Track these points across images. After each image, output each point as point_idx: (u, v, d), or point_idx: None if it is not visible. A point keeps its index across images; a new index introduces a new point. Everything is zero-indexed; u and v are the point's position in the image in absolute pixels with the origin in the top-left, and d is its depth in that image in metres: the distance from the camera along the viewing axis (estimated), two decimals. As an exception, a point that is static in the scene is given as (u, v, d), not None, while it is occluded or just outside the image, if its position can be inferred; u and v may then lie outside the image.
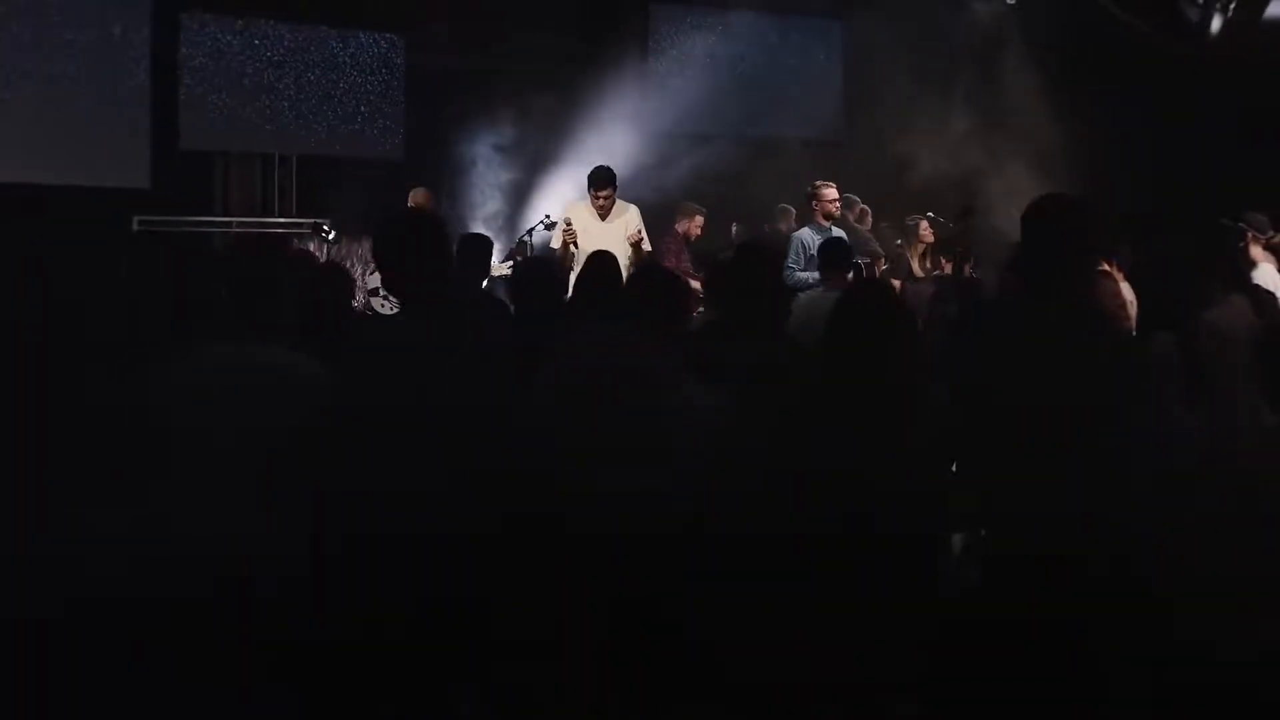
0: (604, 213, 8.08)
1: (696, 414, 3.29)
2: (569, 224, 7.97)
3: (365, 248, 9.63)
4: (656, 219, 8.93)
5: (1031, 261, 3.40)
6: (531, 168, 11.03)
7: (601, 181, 8.08)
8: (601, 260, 4.87)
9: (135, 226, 10.05)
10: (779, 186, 10.58)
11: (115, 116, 10.15)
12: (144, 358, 3.39)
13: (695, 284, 8.63)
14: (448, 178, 11.23)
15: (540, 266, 4.93)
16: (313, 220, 10.32)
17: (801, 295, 6.46)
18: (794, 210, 9.85)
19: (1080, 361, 3.25)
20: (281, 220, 10.93)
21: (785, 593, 3.08)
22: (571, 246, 7.81)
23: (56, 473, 3.19)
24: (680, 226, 9.04)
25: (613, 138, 10.83)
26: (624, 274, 6.03)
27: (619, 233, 7.92)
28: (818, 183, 8.09)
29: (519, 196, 11.10)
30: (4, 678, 2.90)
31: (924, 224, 8.76)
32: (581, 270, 4.87)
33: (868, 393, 3.13)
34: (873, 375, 3.14)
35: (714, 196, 10.28)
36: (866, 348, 3.16)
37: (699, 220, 9.12)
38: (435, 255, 3.29)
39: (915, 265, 8.56)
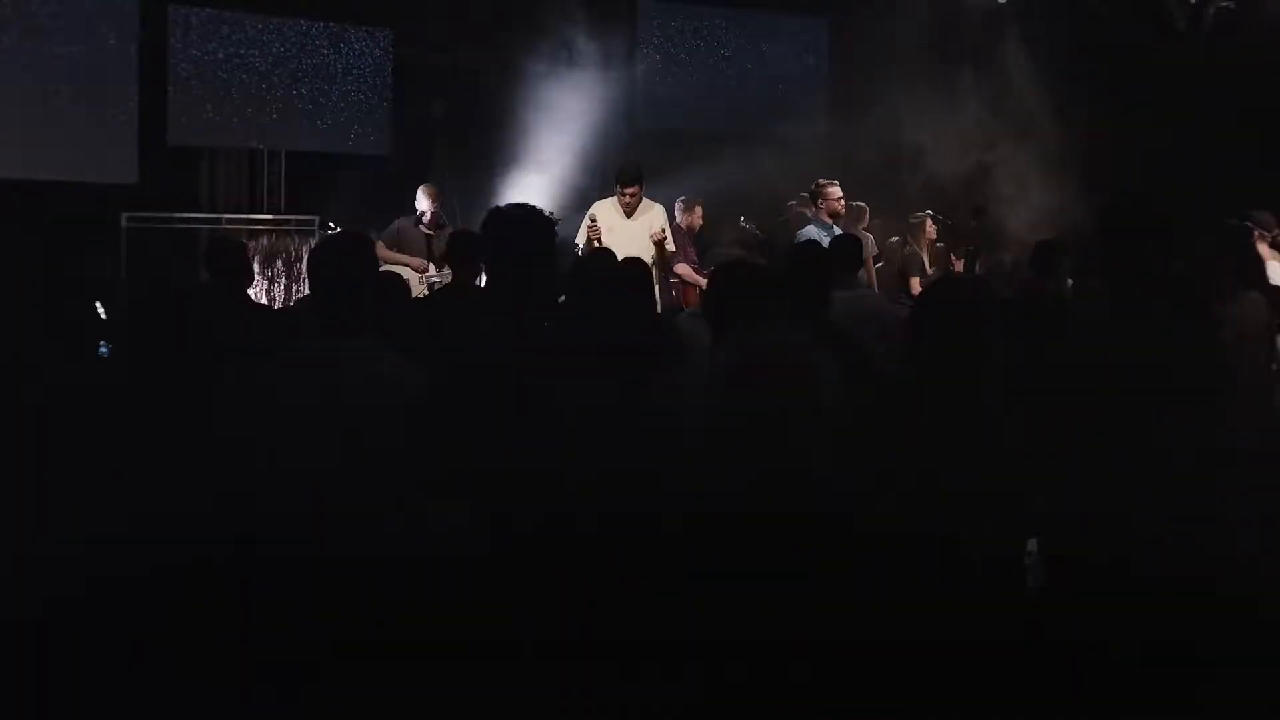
0: (629, 210, 8.05)
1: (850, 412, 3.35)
2: (594, 221, 7.94)
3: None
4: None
5: (1116, 264, 3.45)
6: (520, 164, 11.01)
7: (629, 178, 8.04)
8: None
9: (124, 223, 9.99)
10: (768, 182, 10.67)
11: (103, 112, 10.05)
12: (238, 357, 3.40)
13: (704, 279, 8.79)
14: (436, 174, 11.20)
15: (606, 265, 4.92)
16: (312, 218, 10.28)
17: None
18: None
19: (1169, 365, 3.30)
20: (269, 216, 10.89)
21: (880, 590, 3.15)
22: (596, 243, 7.76)
23: (153, 465, 3.21)
24: (682, 220, 9.07)
25: (599, 134, 10.87)
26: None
27: (643, 230, 7.91)
28: (822, 181, 8.16)
29: (507, 193, 11.07)
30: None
31: (928, 221, 8.85)
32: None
33: (962, 393, 3.18)
34: (968, 376, 3.20)
35: (700, 192, 10.29)
36: (962, 347, 3.22)
37: (699, 212, 9.16)
38: (543, 246, 3.32)
39: (926, 262, 8.66)
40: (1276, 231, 7.11)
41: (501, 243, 3.40)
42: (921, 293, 3.48)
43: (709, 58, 12.41)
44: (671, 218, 8.88)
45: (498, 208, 3.52)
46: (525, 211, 3.43)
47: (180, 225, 10.49)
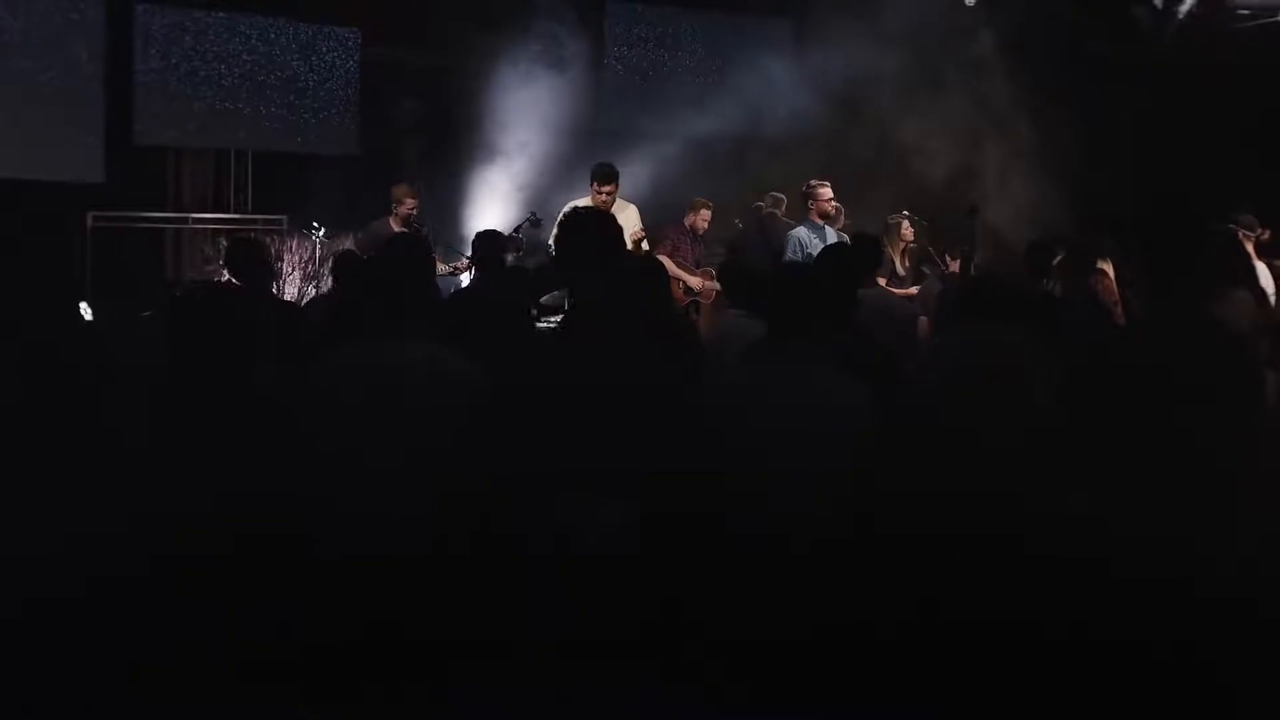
0: (605, 209, 8.03)
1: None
2: None
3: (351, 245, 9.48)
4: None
5: (1165, 278, 3.48)
6: (489, 164, 10.95)
7: (605, 177, 7.99)
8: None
9: (90, 222, 9.84)
10: (743, 183, 10.70)
11: (69, 110, 9.92)
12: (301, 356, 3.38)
13: (694, 280, 8.84)
14: (406, 174, 11.11)
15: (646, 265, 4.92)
16: (280, 217, 10.19)
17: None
18: (785, 198, 9.94)
19: (1168, 365, 3.33)
20: (236, 216, 10.78)
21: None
22: None
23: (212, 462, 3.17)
24: (687, 219, 9.15)
25: (569, 135, 10.84)
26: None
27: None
28: (813, 182, 8.15)
29: (477, 193, 11.02)
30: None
31: (904, 223, 8.88)
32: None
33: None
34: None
35: (674, 195, 10.30)
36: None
37: (705, 214, 9.19)
38: (612, 251, 3.33)
39: (898, 264, 8.69)
40: (1260, 232, 7.25)
41: (571, 244, 3.43)
42: (960, 292, 3.49)
43: (675, 63, 12.45)
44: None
45: (575, 209, 3.54)
46: (595, 215, 3.45)
47: (146, 225, 10.37)
